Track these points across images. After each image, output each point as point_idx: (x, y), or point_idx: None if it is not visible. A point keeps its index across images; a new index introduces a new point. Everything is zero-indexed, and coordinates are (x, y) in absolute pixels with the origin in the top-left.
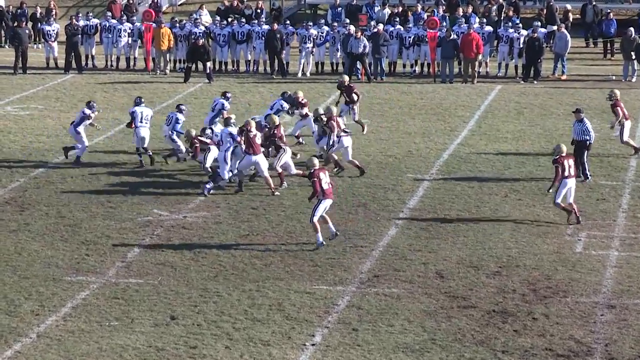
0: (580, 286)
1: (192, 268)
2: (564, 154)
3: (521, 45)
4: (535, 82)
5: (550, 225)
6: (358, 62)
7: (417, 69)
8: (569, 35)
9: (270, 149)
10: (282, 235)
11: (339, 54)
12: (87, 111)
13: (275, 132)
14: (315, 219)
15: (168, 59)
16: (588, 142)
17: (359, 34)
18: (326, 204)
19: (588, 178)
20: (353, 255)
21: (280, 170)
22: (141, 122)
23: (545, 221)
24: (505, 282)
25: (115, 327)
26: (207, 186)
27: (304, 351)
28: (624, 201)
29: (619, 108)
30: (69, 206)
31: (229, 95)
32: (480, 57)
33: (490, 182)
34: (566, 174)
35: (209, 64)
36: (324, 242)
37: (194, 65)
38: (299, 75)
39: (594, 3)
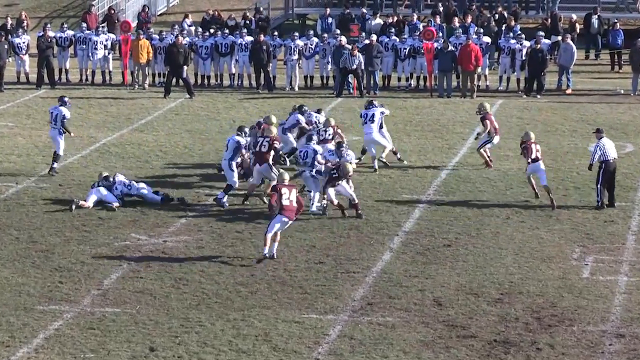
0: (588, 314)
1: (172, 296)
2: (532, 140)
3: (523, 57)
4: (539, 96)
5: (555, 249)
6: (350, 75)
7: (413, 82)
8: (574, 47)
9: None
10: (269, 260)
11: (329, 67)
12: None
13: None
14: (269, 235)
15: (147, 73)
16: (593, 163)
17: (355, 50)
18: (284, 220)
19: (600, 206)
20: (345, 281)
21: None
22: (50, 122)
23: (550, 245)
24: (508, 310)
25: (90, 359)
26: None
27: None
28: (633, 223)
29: (488, 121)
30: (41, 230)
31: (305, 108)
32: (479, 69)
33: (491, 203)
34: (533, 156)
35: (185, 67)
36: (267, 255)
37: (174, 79)
38: (287, 89)
39: (598, 13)
